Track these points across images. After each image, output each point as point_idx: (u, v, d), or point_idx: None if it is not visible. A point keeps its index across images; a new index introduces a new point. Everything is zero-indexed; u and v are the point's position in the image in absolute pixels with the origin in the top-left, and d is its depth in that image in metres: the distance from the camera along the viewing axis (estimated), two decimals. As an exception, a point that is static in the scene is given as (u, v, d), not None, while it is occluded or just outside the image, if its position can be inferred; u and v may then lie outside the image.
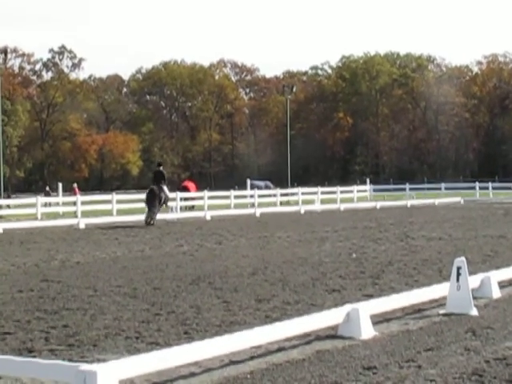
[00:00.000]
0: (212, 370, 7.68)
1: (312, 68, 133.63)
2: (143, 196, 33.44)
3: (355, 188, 62.51)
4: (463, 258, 10.69)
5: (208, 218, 35.99)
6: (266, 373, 7.50)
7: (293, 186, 69.59)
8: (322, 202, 52.16)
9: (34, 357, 8.04)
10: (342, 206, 45.83)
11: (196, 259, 17.62)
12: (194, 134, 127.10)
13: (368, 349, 8.43)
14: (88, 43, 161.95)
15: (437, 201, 52.61)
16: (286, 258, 17.40)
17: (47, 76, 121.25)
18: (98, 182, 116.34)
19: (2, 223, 30.34)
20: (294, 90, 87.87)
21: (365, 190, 65.73)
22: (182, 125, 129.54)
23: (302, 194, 54.60)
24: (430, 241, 21.74)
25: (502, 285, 12.48)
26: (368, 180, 69.85)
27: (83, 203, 40.25)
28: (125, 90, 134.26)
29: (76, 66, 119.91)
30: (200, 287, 13.00)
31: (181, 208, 42.86)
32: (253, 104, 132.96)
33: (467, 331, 9.28)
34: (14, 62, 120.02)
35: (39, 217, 37.57)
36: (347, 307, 9.20)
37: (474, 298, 10.85)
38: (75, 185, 55.61)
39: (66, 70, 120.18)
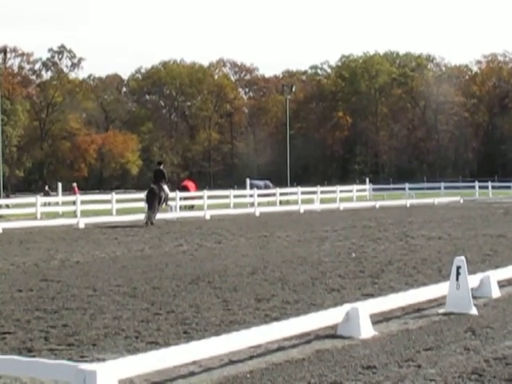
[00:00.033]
0: (211, 369, 7.68)
1: (311, 67, 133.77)
2: (143, 195, 33.46)
3: (355, 187, 62.52)
4: (463, 258, 10.68)
5: (207, 217, 35.99)
6: (265, 372, 7.50)
7: (292, 185, 69.61)
8: (322, 201, 52.15)
9: (34, 356, 8.04)
10: (342, 206, 45.82)
11: (195, 259, 17.62)
12: (193, 134, 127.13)
13: (367, 348, 8.43)
14: (87, 43, 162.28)
15: (436, 200, 52.59)
16: (285, 258, 17.40)
17: (47, 76, 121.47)
18: (98, 181, 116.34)
19: (1, 223, 30.31)
20: (294, 89, 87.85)
21: (364, 190, 65.76)
22: (182, 124, 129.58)
23: (302, 193, 54.60)
24: (429, 240, 21.74)
25: (502, 284, 12.48)
26: (367, 179, 69.89)
27: (83, 203, 40.21)
28: (124, 89, 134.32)
29: (75, 65, 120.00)
30: (199, 286, 13.00)
31: (180, 207, 42.86)
32: (252, 103, 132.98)
33: (467, 331, 9.28)
34: (14, 62, 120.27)
35: (39, 216, 37.55)
36: (347, 306, 9.20)
37: (474, 297, 10.85)
38: (75, 184, 55.59)
39: (65, 70, 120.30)
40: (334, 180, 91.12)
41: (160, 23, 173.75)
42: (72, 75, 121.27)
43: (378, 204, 46.92)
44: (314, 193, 55.61)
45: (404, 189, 68.02)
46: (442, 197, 60.12)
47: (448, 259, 14.62)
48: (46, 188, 55.92)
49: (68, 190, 60.68)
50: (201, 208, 42.96)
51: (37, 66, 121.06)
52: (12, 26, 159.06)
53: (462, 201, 53.58)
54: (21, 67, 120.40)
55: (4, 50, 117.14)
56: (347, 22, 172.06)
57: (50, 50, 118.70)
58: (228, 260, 17.12)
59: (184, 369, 7.55)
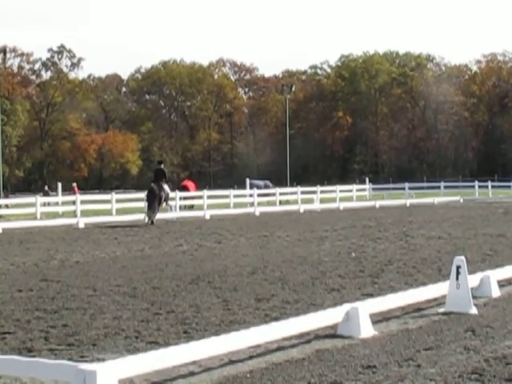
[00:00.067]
0: (211, 369, 7.68)
1: (311, 67, 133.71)
2: (143, 195, 33.46)
3: (354, 187, 62.51)
4: (463, 257, 10.68)
5: (207, 217, 36.00)
6: (265, 372, 7.50)
7: (292, 185, 69.61)
8: (322, 201, 52.14)
9: (34, 356, 8.04)
10: (342, 205, 45.82)
11: (195, 258, 17.62)
12: (193, 134, 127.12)
13: (367, 348, 8.43)
14: (87, 43, 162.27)
15: (436, 200, 52.60)
16: (285, 257, 17.40)
17: (46, 75, 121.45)
18: (98, 181, 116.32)
19: (1, 223, 30.32)
20: (293, 89, 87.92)
21: (364, 189, 65.75)
22: (182, 124, 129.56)
23: (302, 193, 54.60)
24: (429, 240, 21.74)
25: (502, 284, 12.47)
26: (367, 179, 69.89)
27: (82, 203, 40.21)
28: (124, 89, 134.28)
29: (75, 65, 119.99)
30: (199, 286, 13.00)
31: (180, 207, 42.86)
32: (252, 103, 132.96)
33: (467, 330, 9.27)
34: (13, 62, 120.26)
35: (38, 216, 37.54)
36: (346, 306, 9.20)
37: (474, 296, 10.84)
38: (74, 184, 55.60)
39: (65, 70, 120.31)
40: (334, 180, 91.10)
41: (160, 23, 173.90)
42: (72, 75, 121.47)
43: (377, 204, 46.92)
44: (314, 192, 55.60)
45: (404, 188, 68.03)
46: (442, 196, 60.11)
47: (448, 259, 14.62)
48: (46, 188, 55.92)
49: (68, 189, 60.67)
50: (201, 208, 42.96)
51: (36, 66, 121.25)
52: (12, 26, 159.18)
53: (461, 200, 53.58)
54: (20, 67, 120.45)
55: (4, 50, 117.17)
56: (347, 21, 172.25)
57: (50, 49, 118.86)
58: (228, 260, 17.12)
59: (184, 369, 7.54)
